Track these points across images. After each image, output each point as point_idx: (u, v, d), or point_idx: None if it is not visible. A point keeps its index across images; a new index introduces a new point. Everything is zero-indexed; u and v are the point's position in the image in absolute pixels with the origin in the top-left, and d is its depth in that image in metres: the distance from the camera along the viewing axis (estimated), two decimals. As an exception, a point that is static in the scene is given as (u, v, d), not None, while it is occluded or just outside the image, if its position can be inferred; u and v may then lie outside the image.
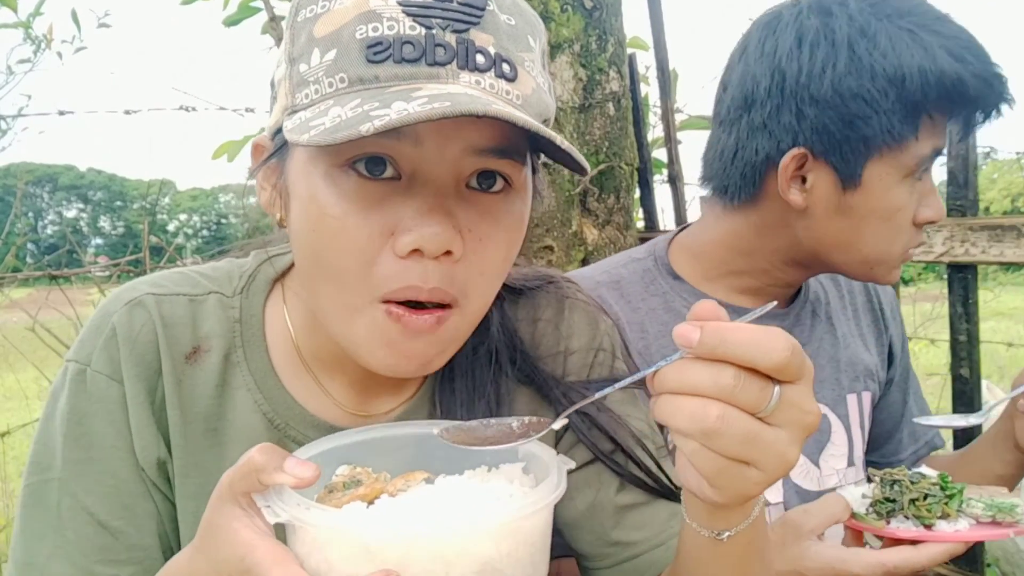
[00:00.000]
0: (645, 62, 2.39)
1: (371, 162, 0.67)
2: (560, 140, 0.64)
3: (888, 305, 1.38)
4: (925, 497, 0.96)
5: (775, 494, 1.17)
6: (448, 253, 0.67)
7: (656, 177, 2.33)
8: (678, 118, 2.46)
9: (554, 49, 1.84)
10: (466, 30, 0.66)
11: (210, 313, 0.83)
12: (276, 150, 0.74)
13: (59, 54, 2.77)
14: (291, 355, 0.84)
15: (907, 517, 0.96)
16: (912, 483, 0.98)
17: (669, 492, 0.87)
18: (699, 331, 0.54)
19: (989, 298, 3.06)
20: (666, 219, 2.34)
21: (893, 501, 0.97)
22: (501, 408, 0.85)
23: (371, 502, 0.64)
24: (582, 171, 0.68)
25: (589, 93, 1.89)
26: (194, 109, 2.42)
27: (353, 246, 0.67)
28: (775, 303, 0.62)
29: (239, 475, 0.61)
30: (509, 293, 0.93)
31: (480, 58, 0.66)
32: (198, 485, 0.80)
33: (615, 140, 1.94)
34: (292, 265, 0.88)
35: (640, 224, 2.27)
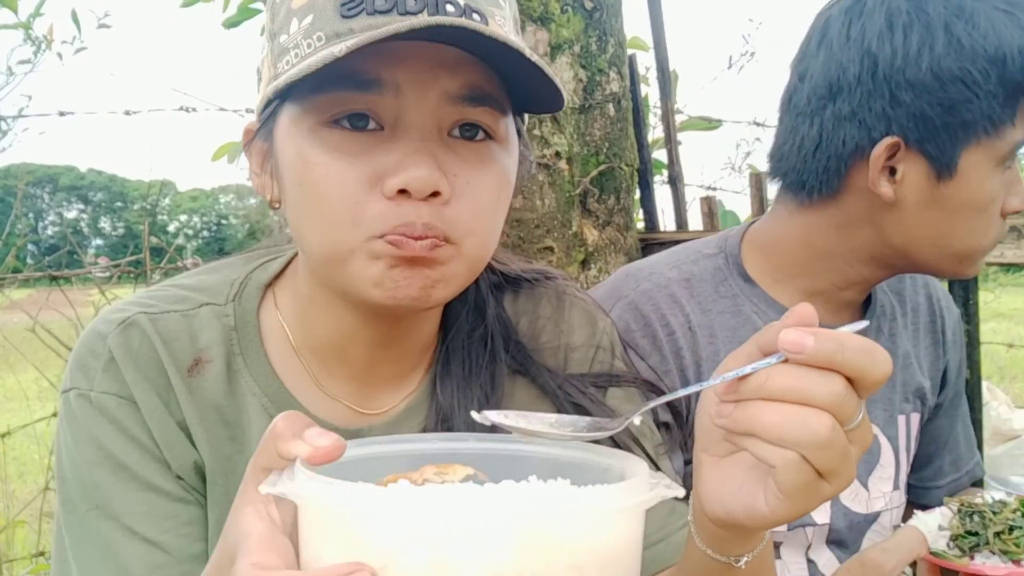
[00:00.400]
0: (645, 63, 2.39)
1: (353, 117, 0.69)
2: (530, 53, 0.66)
3: (951, 330, 1.32)
4: (1011, 530, 0.89)
5: (822, 515, 1.13)
6: (436, 194, 0.68)
7: (656, 178, 2.32)
8: (678, 119, 2.46)
9: (554, 50, 1.84)
10: None
11: (205, 324, 0.82)
12: (263, 123, 0.76)
13: (59, 55, 2.77)
14: (290, 357, 0.84)
15: (993, 552, 0.89)
16: (994, 514, 0.91)
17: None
18: (813, 337, 0.51)
19: (989, 299, 3.05)
20: (666, 220, 2.34)
21: (976, 534, 0.91)
22: (496, 393, 0.85)
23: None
24: (559, 101, 0.70)
25: (589, 94, 1.89)
26: (194, 109, 2.42)
27: (341, 190, 0.69)
28: (867, 323, 0.59)
29: (261, 447, 0.57)
30: (509, 286, 0.93)
31: (450, 7, 0.67)
32: (223, 492, 0.79)
33: (615, 141, 1.94)
34: (284, 269, 0.89)
35: (640, 225, 2.27)
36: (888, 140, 1.01)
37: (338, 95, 0.69)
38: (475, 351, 0.86)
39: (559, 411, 0.83)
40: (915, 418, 1.24)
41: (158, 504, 0.77)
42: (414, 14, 0.66)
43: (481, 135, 0.73)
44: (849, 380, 0.52)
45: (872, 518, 1.18)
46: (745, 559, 0.65)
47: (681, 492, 0.53)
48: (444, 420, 0.83)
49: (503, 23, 0.72)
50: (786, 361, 0.53)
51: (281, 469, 0.55)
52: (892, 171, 1.03)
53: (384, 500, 0.46)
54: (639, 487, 0.50)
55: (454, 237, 0.71)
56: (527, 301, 0.93)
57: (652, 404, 0.64)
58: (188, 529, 0.78)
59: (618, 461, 0.58)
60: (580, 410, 0.85)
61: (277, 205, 0.78)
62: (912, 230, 1.05)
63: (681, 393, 0.62)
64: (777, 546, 1.14)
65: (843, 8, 1.06)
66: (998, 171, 1.02)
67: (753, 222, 1.23)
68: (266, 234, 1.00)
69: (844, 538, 1.16)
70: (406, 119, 0.69)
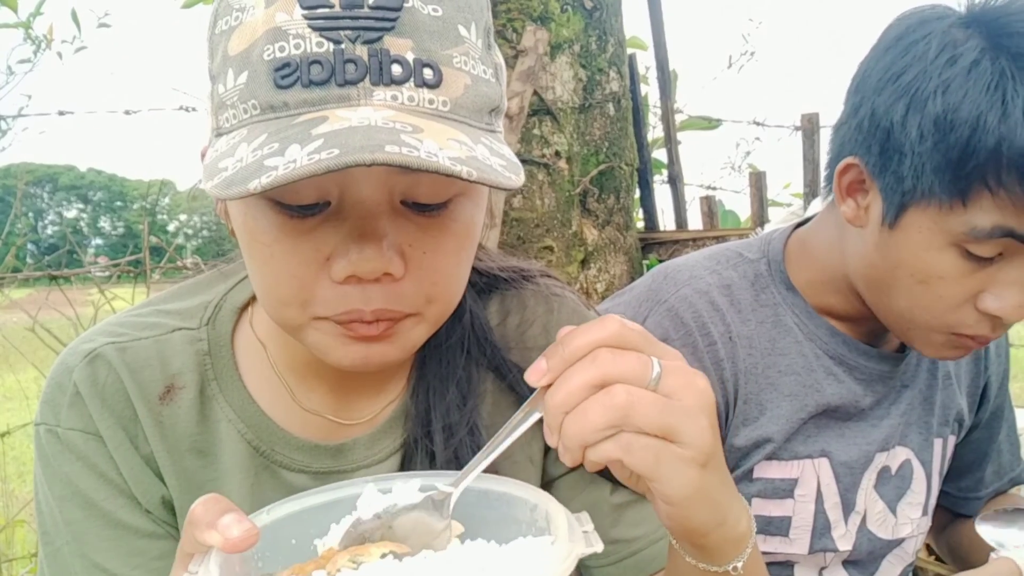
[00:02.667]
0: (645, 62, 2.39)
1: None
2: (467, 173, 0.57)
3: (995, 344, 1.22)
4: None
5: (846, 542, 1.10)
6: (388, 275, 0.64)
7: (656, 177, 2.33)
8: (678, 118, 2.46)
9: (554, 49, 1.84)
10: (379, 38, 0.60)
11: (177, 350, 0.81)
12: None
13: (59, 54, 2.77)
14: (267, 377, 0.83)
15: None
16: None
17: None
18: (544, 358, 0.56)
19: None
20: (666, 219, 2.34)
21: None
22: (472, 397, 0.83)
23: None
24: (515, 184, 0.63)
25: (589, 93, 1.89)
26: (194, 109, 2.42)
27: (286, 273, 0.64)
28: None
29: (183, 532, 0.56)
30: (495, 287, 0.91)
31: (396, 68, 0.60)
32: None
33: (615, 140, 1.94)
34: None
35: (640, 224, 2.27)
36: (848, 160, 0.96)
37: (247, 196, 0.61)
38: (452, 355, 0.84)
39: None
40: (951, 440, 1.19)
41: (127, 540, 0.77)
42: (354, 84, 0.59)
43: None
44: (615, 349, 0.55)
45: (896, 543, 1.15)
46: (740, 562, 0.65)
47: (600, 547, 0.54)
48: (423, 426, 0.81)
49: (464, 62, 0.64)
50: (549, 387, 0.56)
51: (199, 552, 0.55)
52: (865, 194, 0.97)
53: None
54: (559, 553, 0.51)
55: (412, 310, 0.67)
56: (514, 301, 0.91)
57: (463, 481, 0.61)
58: (158, 563, 0.77)
59: (541, 500, 0.60)
60: None
61: (236, 236, 0.73)
62: (862, 263, 0.99)
63: (483, 463, 0.60)
64: (792, 566, 1.12)
65: (905, 16, 0.97)
66: (955, 252, 0.89)
67: (801, 223, 1.14)
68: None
69: (863, 559, 1.14)
70: (352, 193, 0.63)
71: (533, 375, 0.56)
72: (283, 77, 0.60)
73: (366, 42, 0.60)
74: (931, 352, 0.99)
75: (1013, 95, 0.82)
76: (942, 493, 1.25)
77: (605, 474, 0.84)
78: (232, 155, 0.60)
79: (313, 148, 0.55)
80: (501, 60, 0.71)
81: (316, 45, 0.60)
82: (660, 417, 0.54)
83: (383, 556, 0.55)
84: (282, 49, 0.60)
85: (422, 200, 0.65)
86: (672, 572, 0.72)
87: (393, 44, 0.60)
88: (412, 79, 0.61)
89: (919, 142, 0.87)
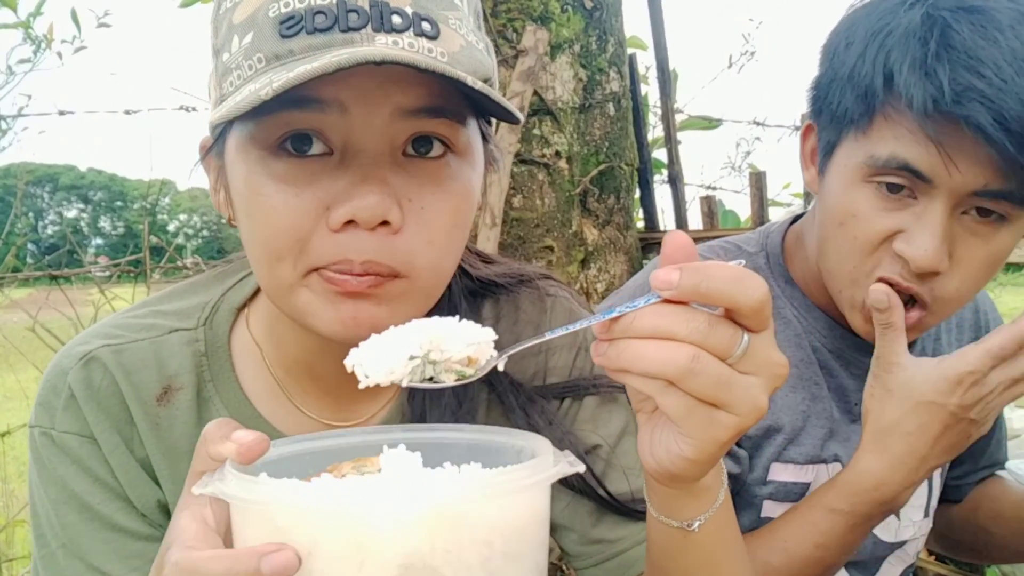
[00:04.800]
0: (645, 62, 2.39)
1: (298, 139, 0.65)
2: (472, 81, 0.61)
3: (995, 325, 1.21)
4: None
5: None
6: (385, 223, 0.64)
7: (656, 177, 2.33)
8: (678, 118, 2.46)
9: (554, 49, 1.84)
10: None
11: (174, 351, 0.81)
12: (213, 144, 0.73)
13: (59, 54, 2.77)
14: (263, 379, 0.83)
15: None
16: None
17: (618, 505, 0.84)
18: (679, 272, 0.53)
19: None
20: (666, 219, 2.34)
21: None
22: (466, 402, 0.83)
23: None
24: (514, 119, 0.66)
25: (589, 93, 1.89)
26: (194, 109, 2.42)
27: (285, 223, 0.65)
28: (743, 261, 0.57)
29: (196, 452, 0.58)
30: (489, 290, 0.90)
31: (396, 18, 0.63)
32: None
33: (615, 140, 1.94)
34: (259, 287, 0.86)
35: (640, 224, 2.27)
36: (808, 122, 0.99)
37: (280, 116, 0.64)
38: None
39: (515, 427, 0.80)
40: None
41: (124, 543, 0.77)
42: (356, 30, 0.62)
43: (439, 150, 0.68)
44: (728, 311, 0.54)
45: (898, 545, 1.15)
46: (698, 522, 0.65)
47: (582, 467, 0.56)
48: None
49: (459, 25, 0.67)
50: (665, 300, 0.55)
51: (213, 472, 0.56)
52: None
53: (307, 493, 0.50)
54: (542, 465, 0.54)
55: (404, 270, 0.67)
56: (508, 304, 0.90)
57: (515, 349, 0.62)
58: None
59: (528, 442, 0.61)
60: (533, 429, 0.82)
61: (235, 224, 0.74)
62: (815, 232, 1.00)
63: (557, 333, 0.60)
64: None
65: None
66: (869, 187, 0.91)
67: (800, 216, 1.14)
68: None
69: (865, 560, 1.14)
70: (355, 141, 0.65)
71: (661, 281, 0.53)
72: (288, 28, 0.62)
73: None
74: (860, 323, 0.97)
75: (935, 38, 0.85)
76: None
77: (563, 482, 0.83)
78: (239, 94, 0.62)
79: (322, 63, 0.58)
80: (490, 42, 0.73)
81: None
82: (714, 390, 0.54)
83: (381, 470, 0.58)
84: (287, 5, 0.63)
85: (426, 130, 0.66)
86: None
87: None
88: (412, 28, 0.64)
89: (842, 67, 0.92)
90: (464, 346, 0.58)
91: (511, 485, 0.51)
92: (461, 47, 0.66)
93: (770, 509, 1.08)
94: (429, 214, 0.67)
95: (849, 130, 0.93)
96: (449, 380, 0.59)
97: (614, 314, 0.55)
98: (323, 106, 0.63)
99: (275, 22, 0.63)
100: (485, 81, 0.67)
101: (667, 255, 0.55)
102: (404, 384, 0.59)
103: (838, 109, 0.93)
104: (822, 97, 0.97)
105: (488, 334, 0.60)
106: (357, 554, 0.49)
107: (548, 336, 0.60)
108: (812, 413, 1.08)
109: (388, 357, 0.58)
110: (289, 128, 0.65)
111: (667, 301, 0.54)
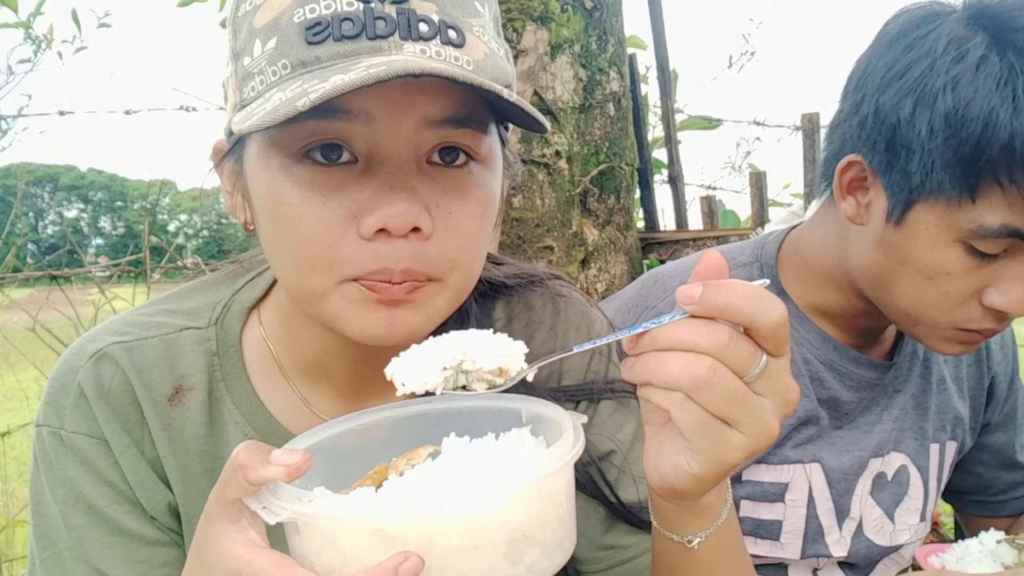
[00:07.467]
0: (645, 62, 2.39)
1: (325, 149, 0.65)
2: (508, 94, 0.61)
3: (997, 342, 1.22)
4: None
5: (841, 548, 1.10)
6: (416, 230, 0.65)
7: (656, 177, 2.32)
8: (678, 118, 2.46)
9: (554, 49, 1.84)
10: (405, 0, 0.63)
11: (185, 350, 0.80)
12: (231, 149, 0.73)
13: (59, 54, 2.77)
14: (274, 377, 0.82)
15: None
16: None
17: (628, 513, 0.85)
18: (701, 287, 0.55)
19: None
20: (666, 219, 2.33)
21: None
22: None
23: (379, 486, 0.60)
24: (542, 128, 0.67)
25: (589, 93, 1.89)
26: (194, 109, 2.42)
27: (314, 232, 0.65)
28: (768, 281, 0.58)
29: (225, 481, 0.57)
30: (501, 292, 0.90)
31: (423, 26, 0.63)
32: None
33: (615, 140, 1.94)
34: (271, 287, 0.86)
35: (640, 224, 2.27)
36: (851, 157, 0.96)
37: (306, 125, 0.63)
38: None
39: None
40: (951, 446, 1.18)
41: (131, 547, 0.76)
42: (384, 37, 0.62)
43: (462, 158, 0.68)
44: (747, 330, 0.55)
45: (894, 549, 1.15)
46: (698, 539, 0.65)
47: (584, 418, 0.62)
48: None
49: (482, 32, 0.67)
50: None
51: (250, 494, 0.56)
52: (866, 191, 0.97)
53: (421, 501, 0.53)
54: (579, 433, 0.60)
55: (437, 275, 0.67)
56: (520, 305, 0.90)
57: (544, 361, 0.64)
58: (163, 571, 0.76)
59: (532, 405, 0.68)
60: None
61: (251, 228, 0.74)
62: (864, 261, 0.98)
63: (585, 347, 0.63)
64: (786, 567, 1.12)
65: (905, 12, 0.97)
66: (959, 248, 0.90)
67: (795, 227, 1.15)
68: (255, 243, 0.98)
69: (859, 563, 1.14)
70: (381, 149, 0.65)
71: (684, 295, 0.56)
72: (315, 34, 0.62)
73: (394, 2, 0.63)
74: (938, 346, 0.99)
75: (1023, 91, 0.83)
76: (973, 501, 1.24)
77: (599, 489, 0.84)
78: (268, 102, 0.61)
79: (358, 72, 0.57)
80: (508, 48, 0.73)
81: (346, 5, 0.62)
82: (728, 406, 0.55)
83: (429, 456, 0.63)
84: (312, 11, 0.62)
85: (451, 140, 0.67)
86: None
87: (419, 6, 0.64)
88: (438, 37, 0.64)
89: (929, 138, 0.87)
90: (496, 357, 0.62)
91: (571, 454, 0.57)
92: (485, 55, 0.66)
93: (748, 509, 1.08)
94: (456, 219, 0.68)
95: (941, 197, 0.88)
96: (480, 389, 0.62)
97: (639, 329, 0.58)
98: (350, 116, 0.63)
99: (301, 28, 0.62)
100: (507, 88, 0.67)
101: (699, 271, 0.57)
102: (439, 393, 0.61)
103: (927, 181, 0.88)
104: (888, 161, 0.92)
105: (519, 347, 0.63)
106: (471, 541, 0.53)
107: (576, 350, 0.63)
108: (796, 424, 1.07)
109: (424, 368, 0.61)
110: (315, 137, 0.65)
111: (693, 317, 0.56)
